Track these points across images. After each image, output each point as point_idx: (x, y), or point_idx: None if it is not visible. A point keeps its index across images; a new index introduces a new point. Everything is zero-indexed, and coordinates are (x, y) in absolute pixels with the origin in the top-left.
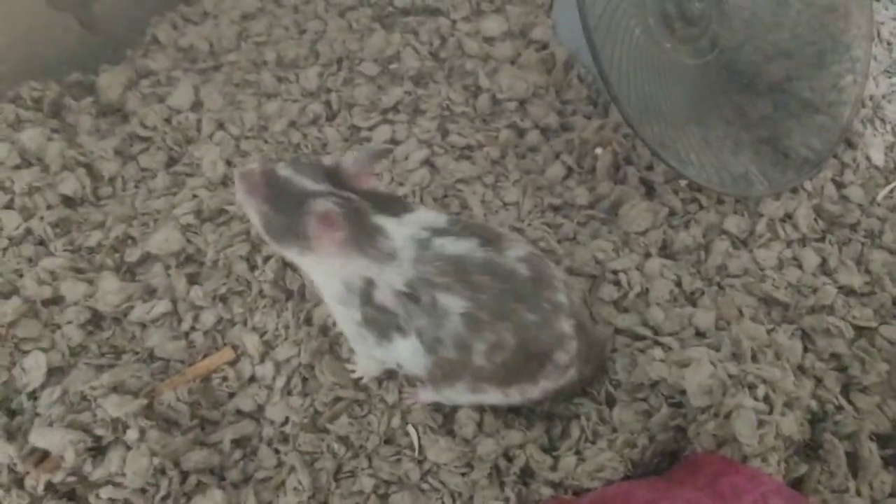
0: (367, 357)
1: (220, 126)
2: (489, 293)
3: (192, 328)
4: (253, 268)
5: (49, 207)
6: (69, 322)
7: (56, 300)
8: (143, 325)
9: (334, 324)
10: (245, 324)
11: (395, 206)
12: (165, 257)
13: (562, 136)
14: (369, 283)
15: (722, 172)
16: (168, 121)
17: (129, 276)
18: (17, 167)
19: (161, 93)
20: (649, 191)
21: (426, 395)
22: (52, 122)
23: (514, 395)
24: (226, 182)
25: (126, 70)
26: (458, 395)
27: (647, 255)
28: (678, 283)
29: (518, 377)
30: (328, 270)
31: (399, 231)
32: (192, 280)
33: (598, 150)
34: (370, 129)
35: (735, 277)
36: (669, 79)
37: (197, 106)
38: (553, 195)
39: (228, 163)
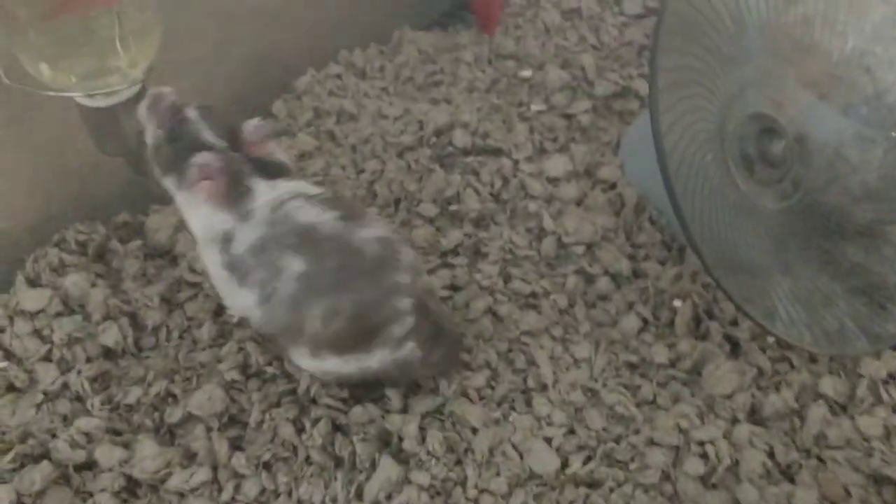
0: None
1: None
2: (331, 263)
3: (233, 498)
4: (300, 431)
5: (88, 360)
6: (102, 490)
7: (89, 465)
8: (182, 495)
9: (388, 497)
10: (290, 495)
11: (274, 171)
12: (207, 418)
13: (634, 284)
14: (228, 236)
15: (814, 328)
16: None
17: (168, 439)
18: (59, 315)
19: None
20: (734, 348)
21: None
22: (96, 267)
23: (351, 363)
24: None
25: (176, 211)
26: (301, 357)
27: (735, 422)
28: (771, 455)
29: (354, 346)
30: (196, 210)
31: (266, 193)
32: (235, 444)
33: (677, 303)
34: (429, 272)
35: (836, 449)
36: (750, 224)
37: None
38: (628, 351)
39: None
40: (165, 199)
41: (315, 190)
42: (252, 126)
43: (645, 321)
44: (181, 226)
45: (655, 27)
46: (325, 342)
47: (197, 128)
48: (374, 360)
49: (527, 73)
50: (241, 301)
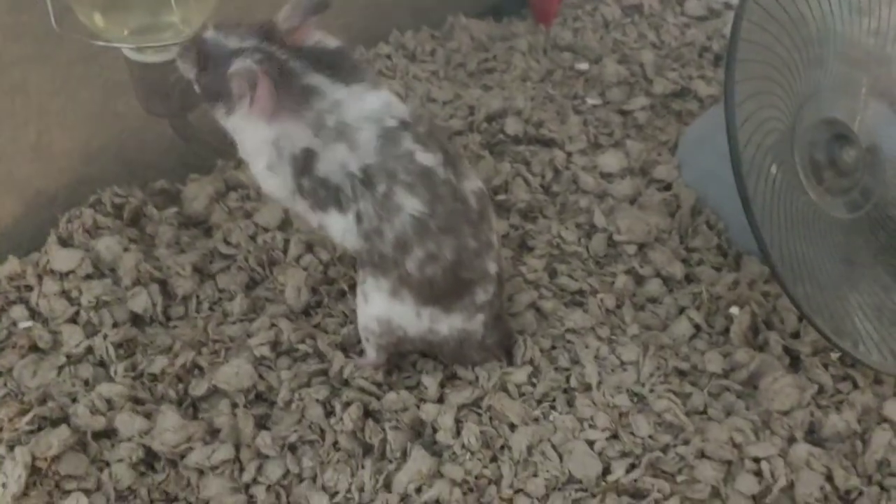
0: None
1: (309, 249)
2: (445, 207)
3: (255, 480)
4: (329, 414)
5: (115, 325)
6: (119, 460)
7: (108, 433)
8: (201, 472)
9: (417, 490)
10: (314, 480)
11: (342, 68)
12: (234, 394)
13: (687, 289)
14: (309, 155)
15: (882, 347)
16: (253, 238)
17: (191, 412)
18: (88, 277)
19: (249, 208)
20: (794, 362)
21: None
22: (130, 232)
23: (424, 320)
24: (309, 312)
25: (215, 181)
26: (377, 291)
27: (792, 440)
28: (829, 478)
29: (439, 299)
30: (256, 133)
31: (352, 105)
32: (260, 423)
33: (734, 311)
34: None
35: None
36: (818, 234)
37: (286, 225)
38: (679, 357)
39: (314, 290)
40: (204, 168)
41: (402, 108)
42: (285, 10)
43: (697, 327)
44: (218, 196)
45: (736, 17)
46: (415, 285)
47: (218, 41)
48: (445, 324)
49: (583, 65)
50: (330, 223)
